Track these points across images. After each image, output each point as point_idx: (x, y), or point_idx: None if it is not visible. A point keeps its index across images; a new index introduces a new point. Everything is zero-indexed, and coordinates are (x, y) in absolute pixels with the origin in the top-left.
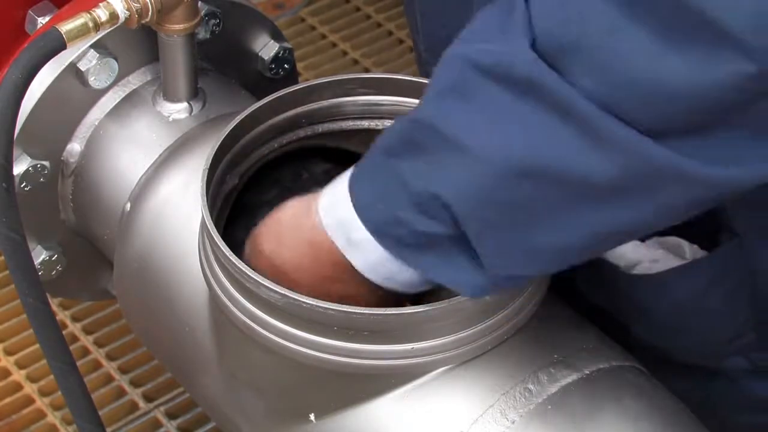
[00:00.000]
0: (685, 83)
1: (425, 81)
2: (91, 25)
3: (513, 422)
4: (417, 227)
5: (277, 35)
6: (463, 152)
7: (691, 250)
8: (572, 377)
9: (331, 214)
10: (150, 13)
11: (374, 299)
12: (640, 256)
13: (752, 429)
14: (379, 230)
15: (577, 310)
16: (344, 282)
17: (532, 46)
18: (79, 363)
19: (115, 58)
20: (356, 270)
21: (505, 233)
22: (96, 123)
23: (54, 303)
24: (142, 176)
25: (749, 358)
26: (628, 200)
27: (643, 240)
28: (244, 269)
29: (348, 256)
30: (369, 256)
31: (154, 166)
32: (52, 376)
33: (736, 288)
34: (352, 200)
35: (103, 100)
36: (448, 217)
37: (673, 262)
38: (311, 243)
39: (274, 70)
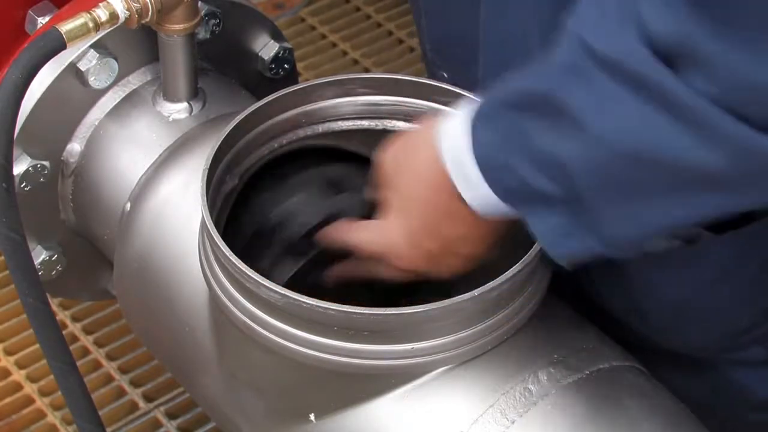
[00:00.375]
0: None
1: (425, 81)
2: (91, 25)
3: (513, 422)
4: (531, 182)
5: (277, 35)
6: (582, 129)
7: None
8: (572, 377)
9: (450, 147)
10: (150, 13)
11: (481, 245)
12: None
13: (757, 427)
14: (492, 175)
15: (577, 310)
16: (454, 217)
17: (643, 40)
18: (79, 363)
19: (115, 58)
20: (467, 205)
21: (620, 206)
22: (96, 123)
23: (54, 303)
24: (142, 176)
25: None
26: (741, 189)
27: None
28: (244, 269)
29: (462, 190)
30: (480, 191)
31: (154, 166)
32: (52, 376)
33: (755, 274)
34: (471, 139)
35: (103, 100)
36: (566, 182)
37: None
38: (429, 172)
39: (274, 70)
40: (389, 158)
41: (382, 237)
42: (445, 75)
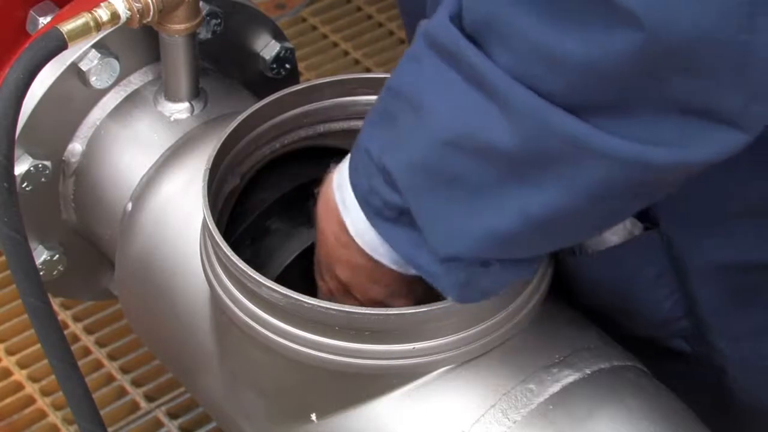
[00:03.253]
0: (583, 55)
1: None
2: (92, 25)
3: (514, 422)
4: (387, 198)
5: (278, 35)
6: (417, 113)
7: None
8: (573, 377)
9: (338, 175)
10: (151, 13)
11: (374, 276)
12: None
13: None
14: (363, 200)
15: (578, 309)
16: (348, 248)
17: (454, 18)
18: (80, 363)
19: (117, 58)
20: (347, 231)
21: (441, 206)
22: (97, 123)
23: (55, 303)
24: (143, 176)
25: (689, 343)
26: (551, 177)
27: None
28: (245, 269)
29: (343, 216)
30: (357, 222)
31: (156, 166)
32: (53, 376)
33: (661, 273)
34: (349, 164)
35: (105, 100)
36: (396, 186)
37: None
38: (327, 201)
39: (276, 70)
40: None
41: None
42: None
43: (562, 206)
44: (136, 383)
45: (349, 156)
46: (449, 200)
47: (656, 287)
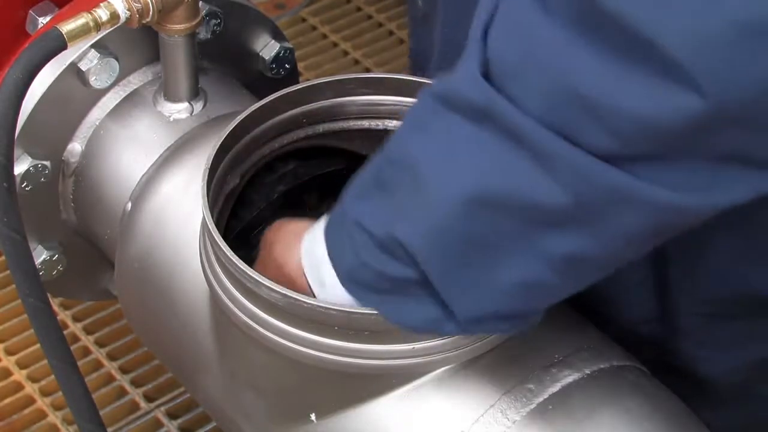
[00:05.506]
0: (636, 110)
1: (426, 80)
2: (92, 25)
3: (514, 422)
4: (385, 271)
5: (278, 35)
6: (420, 183)
7: None
8: (573, 377)
9: (309, 255)
10: (151, 13)
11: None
12: None
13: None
14: (348, 276)
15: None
16: (295, 286)
17: (483, 71)
18: (80, 363)
19: (116, 58)
20: None
21: (467, 271)
22: (97, 123)
23: (55, 303)
24: (143, 176)
25: (658, 350)
26: (586, 226)
27: None
28: (244, 269)
29: (312, 285)
30: (338, 300)
31: (155, 166)
32: (53, 376)
33: (644, 276)
34: (326, 246)
35: (104, 100)
36: (410, 259)
37: None
38: (293, 279)
39: (275, 70)
40: (259, 261)
41: None
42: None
43: (591, 251)
44: (136, 383)
45: (313, 239)
46: (473, 261)
47: (634, 285)
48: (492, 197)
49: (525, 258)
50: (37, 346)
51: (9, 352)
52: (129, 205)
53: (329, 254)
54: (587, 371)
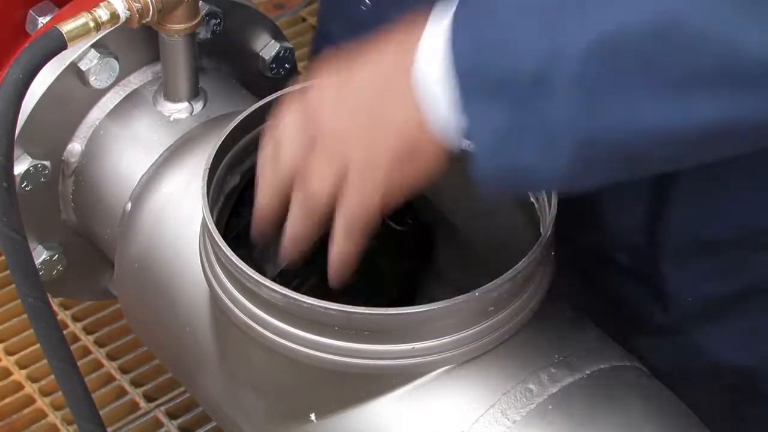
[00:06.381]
0: None
1: None
2: (92, 24)
3: (514, 422)
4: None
5: (277, 35)
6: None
7: None
8: (573, 377)
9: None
10: (151, 13)
11: (426, 155)
12: None
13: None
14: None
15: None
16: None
17: None
18: (79, 363)
19: (116, 58)
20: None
21: (617, 89)
22: (97, 123)
23: (55, 303)
24: (143, 176)
25: (632, 258)
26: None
27: None
28: (244, 269)
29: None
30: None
31: (155, 166)
32: (52, 376)
33: (643, 192)
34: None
35: (104, 99)
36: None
37: None
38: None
39: (275, 70)
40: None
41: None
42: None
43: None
44: (136, 383)
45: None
46: (627, 83)
47: (625, 193)
48: (684, 29)
49: (683, 107)
50: (37, 346)
51: (9, 352)
52: (129, 205)
53: (455, 51)
54: (588, 371)
